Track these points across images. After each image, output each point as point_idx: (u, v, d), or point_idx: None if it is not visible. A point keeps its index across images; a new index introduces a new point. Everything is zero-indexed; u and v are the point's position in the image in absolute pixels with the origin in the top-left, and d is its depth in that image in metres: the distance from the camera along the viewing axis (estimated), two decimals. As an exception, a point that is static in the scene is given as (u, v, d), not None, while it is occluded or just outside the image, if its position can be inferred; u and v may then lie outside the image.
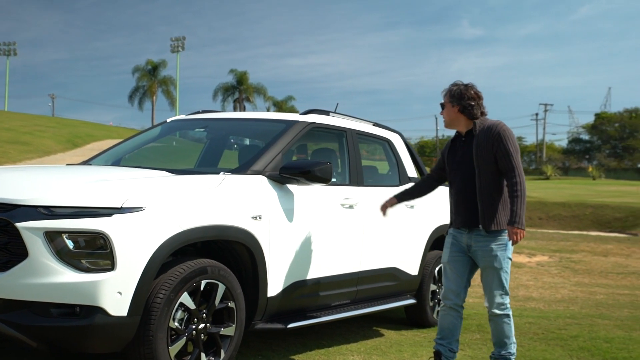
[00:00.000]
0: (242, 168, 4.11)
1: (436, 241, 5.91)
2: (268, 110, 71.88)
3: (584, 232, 19.18)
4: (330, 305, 4.67)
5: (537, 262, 10.63)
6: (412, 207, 5.48)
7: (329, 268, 4.53)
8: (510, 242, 3.83)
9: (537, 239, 13.97)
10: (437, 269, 5.86)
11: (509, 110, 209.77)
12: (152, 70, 67.72)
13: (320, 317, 4.46)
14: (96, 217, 3.18)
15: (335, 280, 4.60)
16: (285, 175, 4.11)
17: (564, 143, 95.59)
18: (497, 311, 4.02)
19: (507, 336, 4.06)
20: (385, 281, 5.21)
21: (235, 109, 68.69)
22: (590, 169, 64.65)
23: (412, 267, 5.50)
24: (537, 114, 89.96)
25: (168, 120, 5.38)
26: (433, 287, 5.84)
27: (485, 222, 3.89)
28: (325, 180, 4.13)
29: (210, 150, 5.33)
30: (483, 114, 4.03)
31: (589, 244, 12.48)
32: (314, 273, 4.38)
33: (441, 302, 4.21)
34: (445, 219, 5.94)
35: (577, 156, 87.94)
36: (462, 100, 3.95)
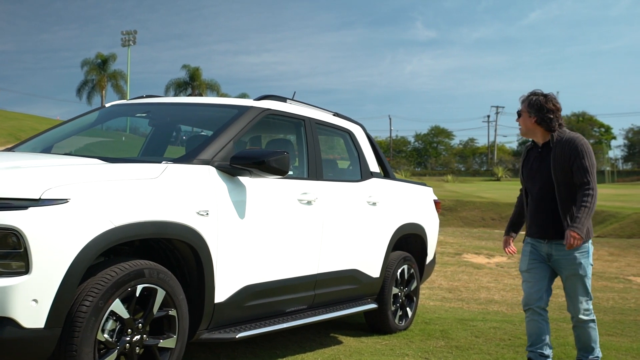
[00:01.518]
0: (188, 157, 3.61)
1: (399, 241, 5.53)
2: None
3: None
4: (285, 311, 4.22)
5: (497, 262, 10.40)
6: (374, 204, 5.08)
7: (284, 270, 4.08)
8: (566, 246, 3.83)
9: (494, 239, 13.80)
10: (399, 270, 5.47)
11: (462, 112, 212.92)
12: (101, 64, 65.91)
13: (273, 325, 4.00)
14: (7, 210, 2.66)
15: (291, 283, 4.15)
16: (236, 165, 3.64)
17: (514, 145, 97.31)
18: (584, 317, 4.08)
19: (594, 340, 4.14)
20: (345, 284, 4.79)
21: (188, 106, 67.23)
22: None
23: (373, 269, 5.09)
24: (488, 116, 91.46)
25: (107, 105, 4.83)
26: (395, 290, 5.45)
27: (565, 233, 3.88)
28: (281, 171, 3.68)
29: (155, 139, 4.81)
30: (561, 125, 4.04)
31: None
32: (267, 276, 3.93)
33: (524, 309, 4.22)
34: (408, 218, 5.59)
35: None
36: (540, 112, 3.97)
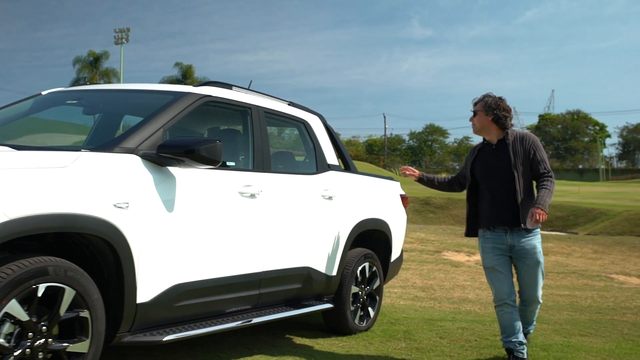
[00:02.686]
0: (109, 145, 3.32)
1: (358, 238, 5.26)
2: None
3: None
4: (224, 311, 3.94)
5: (477, 260, 10.13)
6: (330, 198, 4.81)
7: (222, 268, 3.80)
8: (532, 220, 4.10)
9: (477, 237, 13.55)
10: (360, 268, 5.21)
11: (457, 110, 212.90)
12: (93, 62, 65.54)
13: (208, 326, 3.72)
14: None
15: (231, 282, 3.87)
16: (164, 154, 3.36)
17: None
18: (541, 300, 4.52)
19: (536, 315, 4.68)
20: (296, 283, 4.52)
21: (180, 103, 66.83)
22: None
23: (329, 266, 4.82)
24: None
25: (43, 92, 4.54)
26: (355, 289, 5.18)
27: (526, 221, 4.18)
28: (213, 161, 3.41)
29: (100, 128, 4.53)
30: (512, 125, 4.41)
31: (529, 242, 12.16)
32: (202, 274, 3.65)
33: (497, 304, 4.41)
34: (369, 213, 5.31)
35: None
36: (496, 110, 4.29)
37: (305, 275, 4.57)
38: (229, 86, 4.30)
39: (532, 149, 4.28)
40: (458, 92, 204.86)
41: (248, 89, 4.51)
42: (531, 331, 4.74)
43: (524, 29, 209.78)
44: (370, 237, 5.59)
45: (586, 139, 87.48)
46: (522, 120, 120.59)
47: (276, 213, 4.21)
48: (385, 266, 5.71)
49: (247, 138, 4.30)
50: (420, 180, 4.82)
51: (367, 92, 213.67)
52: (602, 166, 74.47)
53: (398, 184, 6.08)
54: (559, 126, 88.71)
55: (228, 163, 4.04)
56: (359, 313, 5.25)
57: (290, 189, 4.43)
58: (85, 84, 64.36)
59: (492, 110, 4.30)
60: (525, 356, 4.36)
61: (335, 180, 4.97)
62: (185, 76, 64.49)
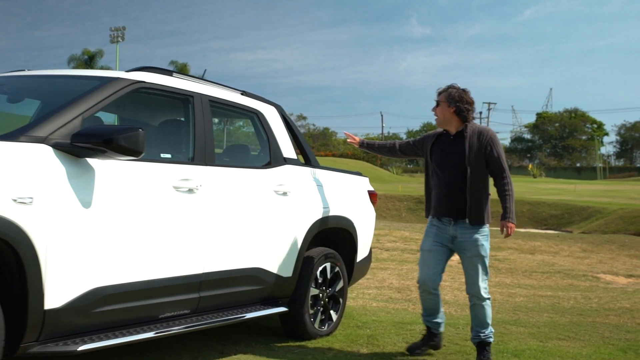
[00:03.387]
0: (15, 134, 2.99)
1: (319, 236, 4.94)
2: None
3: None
4: (157, 317, 3.61)
5: (459, 260, 9.79)
6: (284, 193, 4.49)
7: (152, 270, 3.47)
8: (504, 235, 4.31)
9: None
10: (320, 269, 4.88)
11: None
12: (88, 60, 65.13)
13: (136, 334, 3.39)
14: None
15: (163, 285, 3.54)
16: (79, 144, 3.03)
17: (507, 142, 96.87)
18: (484, 295, 4.36)
19: (489, 316, 4.42)
20: (245, 285, 4.19)
21: (175, 102, 66.63)
22: (530, 167, 65.46)
23: (283, 267, 4.50)
24: (480, 113, 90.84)
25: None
26: (315, 291, 4.85)
27: (472, 216, 4.23)
28: (134, 151, 3.08)
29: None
30: (473, 119, 4.39)
31: (516, 241, 11.74)
32: (127, 276, 3.32)
33: (419, 287, 4.51)
34: (331, 210, 4.98)
35: (519, 155, 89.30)
36: (460, 102, 4.26)
37: (255, 276, 4.24)
38: (168, 72, 3.97)
39: (489, 145, 4.24)
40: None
41: (196, 77, 4.18)
42: (490, 339, 4.43)
43: (523, 27, 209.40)
44: (334, 236, 5.27)
45: (584, 137, 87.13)
46: (521, 119, 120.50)
47: (219, 209, 3.89)
48: (350, 267, 5.39)
49: (187, 128, 3.96)
50: (361, 145, 4.91)
51: (365, 90, 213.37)
52: (600, 164, 74.08)
53: (366, 179, 5.76)
54: (557, 124, 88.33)
55: (163, 155, 3.72)
56: (319, 317, 4.92)
57: (237, 183, 4.10)
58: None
59: (455, 102, 4.26)
60: (439, 333, 4.57)
61: (291, 175, 4.64)
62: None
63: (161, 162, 3.59)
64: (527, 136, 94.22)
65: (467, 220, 4.24)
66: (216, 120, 4.86)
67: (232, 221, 4.01)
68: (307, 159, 5.10)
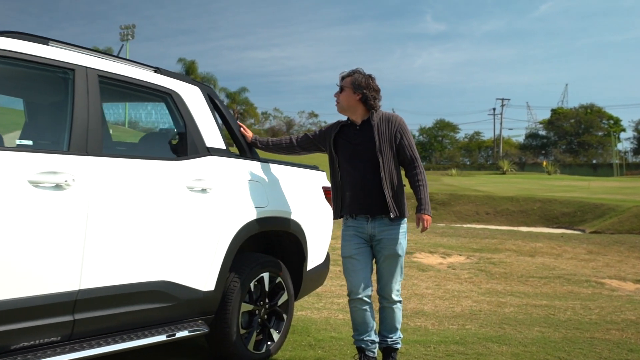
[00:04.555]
0: None
1: (254, 241, 4.17)
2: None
3: (515, 228, 17.76)
4: (9, 348, 2.84)
5: (450, 263, 8.95)
6: (203, 190, 3.71)
7: (-4, 288, 2.70)
8: (420, 229, 3.98)
9: (459, 235, 12.28)
10: (255, 280, 4.10)
11: (469, 105, 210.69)
12: (97, 58, 64.86)
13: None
14: None
15: (14, 307, 2.77)
16: None
17: (521, 138, 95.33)
18: (395, 297, 4.08)
19: (399, 321, 4.14)
20: (145, 303, 3.40)
21: (184, 100, 66.12)
22: (544, 164, 64.19)
23: (201, 279, 3.71)
24: (494, 109, 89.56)
25: None
26: (248, 307, 4.06)
27: (394, 210, 3.91)
28: None
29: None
30: (380, 107, 4.08)
31: (516, 242, 10.88)
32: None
33: (351, 298, 4.04)
34: (269, 210, 4.17)
35: (533, 152, 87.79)
36: (366, 89, 3.96)
37: (160, 292, 3.46)
38: (44, 41, 3.19)
39: (399, 132, 3.98)
40: (471, 87, 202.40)
41: (77, 46, 3.38)
42: (397, 345, 4.13)
43: (539, 22, 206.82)
44: (279, 241, 4.50)
45: (600, 134, 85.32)
46: (536, 115, 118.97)
47: (103, 210, 3.11)
48: (299, 276, 4.60)
49: (63, 110, 3.18)
50: (253, 144, 4.36)
51: (380, 87, 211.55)
52: (617, 161, 72.41)
53: (322, 174, 4.96)
54: (572, 120, 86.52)
55: (22, 142, 2.95)
56: (254, 337, 4.13)
57: (132, 178, 3.32)
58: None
59: (361, 89, 3.95)
60: (375, 355, 4.06)
61: (214, 168, 3.86)
62: (189, 72, 63.68)
63: (12, 151, 2.82)
64: (542, 132, 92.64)
65: (384, 216, 3.91)
66: (121, 104, 4.11)
67: (124, 224, 3.23)
68: (241, 149, 4.31)
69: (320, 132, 4.30)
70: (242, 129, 4.35)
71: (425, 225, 3.93)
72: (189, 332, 3.64)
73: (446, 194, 30.75)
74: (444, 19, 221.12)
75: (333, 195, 4.18)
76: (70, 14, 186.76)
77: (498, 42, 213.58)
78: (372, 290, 4.02)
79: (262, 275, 4.16)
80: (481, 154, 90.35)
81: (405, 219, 4.02)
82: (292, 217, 4.40)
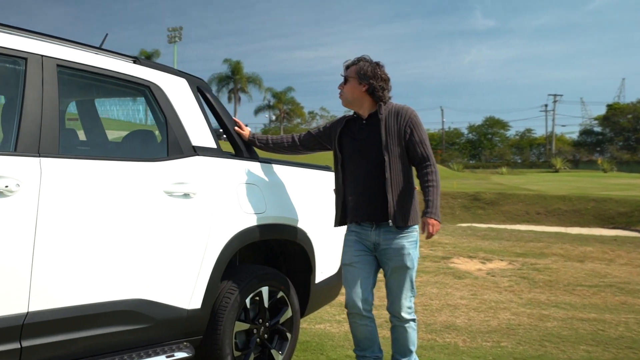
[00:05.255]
0: None
1: (247, 252, 3.71)
2: (268, 102, 69.87)
3: (565, 229, 16.80)
4: None
5: (490, 270, 8.30)
6: (186, 195, 3.26)
7: None
8: (425, 235, 3.48)
9: (502, 238, 11.53)
10: (251, 295, 3.63)
11: (519, 102, 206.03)
12: (145, 61, 65.82)
13: None
14: None
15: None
16: None
17: (575, 135, 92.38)
18: (406, 316, 3.64)
19: (413, 342, 3.72)
20: (113, 325, 2.95)
21: (230, 100, 66.64)
22: (599, 162, 61.92)
23: (184, 296, 3.26)
24: (546, 105, 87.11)
25: None
26: (243, 326, 3.60)
27: (396, 217, 3.46)
28: None
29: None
30: (389, 98, 3.62)
31: (563, 245, 10.11)
32: None
33: (349, 312, 3.64)
34: (268, 217, 3.70)
35: (588, 149, 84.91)
36: (373, 79, 3.53)
37: (131, 312, 3.02)
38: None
39: (408, 127, 3.50)
40: (521, 83, 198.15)
41: (38, 33, 2.98)
42: None
43: (592, 16, 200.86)
44: (283, 251, 4.04)
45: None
46: (590, 111, 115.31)
47: (56, 219, 2.69)
48: (306, 290, 4.11)
49: (11, 105, 2.78)
50: (251, 142, 3.87)
51: (426, 85, 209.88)
52: (678, 158, 69.33)
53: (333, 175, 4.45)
54: (630, 116, 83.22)
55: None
56: (252, 357, 3.66)
57: (93, 182, 2.88)
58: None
59: (368, 79, 3.52)
60: None
61: (200, 170, 3.40)
62: (234, 72, 63.90)
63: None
64: (597, 129, 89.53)
65: (389, 223, 3.45)
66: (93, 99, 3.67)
67: (83, 235, 2.80)
68: (237, 149, 3.85)
69: (325, 128, 3.86)
70: (237, 125, 3.89)
71: (431, 231, 3.43)
72: (167, 357, 3.19)
73: (494, 193, 29.73)
74: (494, 15, 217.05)
75: (337, 199, 3.72)
76: (121, 19, 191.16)
77: (550, 37, 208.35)
78: (372, 303, 3.63)
79: (260, 290, 3.69)
80: (533, 152, 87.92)
81: (416, 227, 3.59)
82: (296, 224, 3.91)
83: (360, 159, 3.55)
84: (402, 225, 3.47)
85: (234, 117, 3.93)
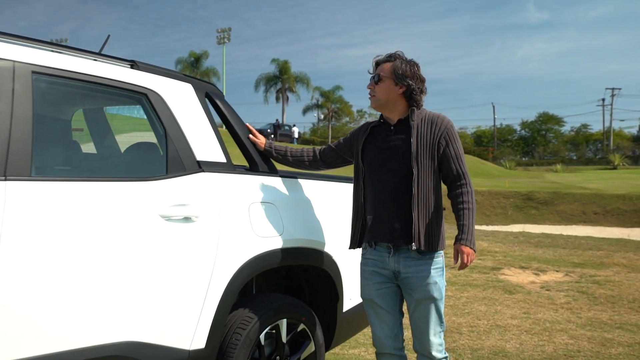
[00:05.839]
0: None
1: (264, 280, 3.27)
2: (316, 102, 69.62)
3: (627, 231, 15.75)
4: None
5: (544, 283, 7.64)
6: (186, 219, 2.83)
7: None
8: (458, 266, 2.97)
9: (558, 246, 10.76)
10: (266, 330, 3.18)
11: (574, 97, 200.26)
12: (194, 62, 66.55)
13: None
14: None
15: None
16: None
17: (634, 130, 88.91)
18: (437, 354, 3.10)
19: None
20: (98, 373, 2.56)
21: (277, 100, 66.62)
22: (661, 158, 59.30)
23: (184, 335, 2.84)
24: (603, 100, 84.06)
25: None
26: (255, 365, 3.16)
27: (420, 239, 2.94)
28: None
29: None
30: (423, 103, 3.14)
31: (626, 254, 9.31)
32: None
33: (378, 352, 3.23)
34: (285, 239, 3.29)
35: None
36: (412, 79, 3.05)
37: (121, 357, 2.61)
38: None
39: (444, 138, 3.00)
40: (577, 77, 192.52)
41: (18, 37, 2.60)
42: None
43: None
44: (307, 276, 3.59)
45: None
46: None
47: (24, 251, 2.29)
48: (332, 319, 3.64)
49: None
50: (267, 152, 3.44)
51: (477, 81, 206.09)
52: None
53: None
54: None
55: None
56: (269, 404, 3.22)
57: (73, 206, 2.48)
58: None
59: (406, 80, 3.03)
60: None
61: (206, 189, 2.97)
62: (282, 72, 63.86)
63: None
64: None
65: (412, 246, 2.94)
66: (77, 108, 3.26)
67: (59, 269, 2.40)
68: (252, 162, 3.41)
69: (345, 139, 3.39)
70: (252, 134, 3.45)
71: (465, 261, 2.94)
72: (166, 406, 2.76)
73: (548, 192, 28.61)
74: (547, 7, 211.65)
75: (353, 216, 3.25)
76: (173, 21, 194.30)
77: (607, 29, 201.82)
78: (402, 341, 3.21)
79: (277, 323, 3.24)
80: (589, 148, 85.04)
81: (441, 252, 3.08)
82: (320, 246, 3.45)
83: (385, 171, 3.06)
84: (427, 250, 2.97)
85: (247, 124, 3.49)
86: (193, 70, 66.06)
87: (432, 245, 2.97)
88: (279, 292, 3.72)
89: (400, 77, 3.05)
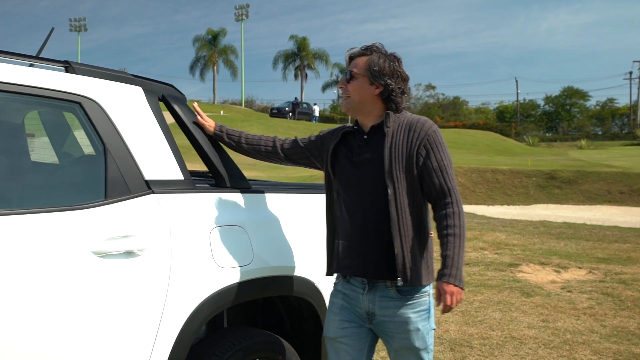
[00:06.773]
0: None
1: (224, 316, 2.81)
2: (336, 78, 68.84)
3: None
4: None
5: (565, 282, 7.09)
6: (128, 254, 2.37)
7: None
8: (441, 308, 2.37)
9: (581, 237, 10.12)
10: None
11: (602, 70, 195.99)
12: (212, 40, 66.04)
13: None
14: None
15: None
16: None
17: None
18: None
19: None
20: None
21: (296, 77, 65.92)
22: (692, 132, 57.66)
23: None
24: (630, 73, 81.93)
25: None
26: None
27: (406, 272, 2.41)
28: None
29: None
30: (404, 107, 2.57)
31: (654, 248, 8.70)
32: None
33: None
34: (254, 268, 2.81)
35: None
36: (391, 77, 2.52)
37: None
38: None
39: (424, 147, 2.46)
40: (603, 49, 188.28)
41: None
42: None
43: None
44: (288, 305, 3.13)
45: None
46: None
47: None
48: (316, 352, 3.18)
49: None
50: (217, 137, 2.92)
51: (501, 55, 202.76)
52: None
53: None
54: None
55: None
56: None
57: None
58: (205, 62, 65.20)
59: (383, 78, 2.51)
60: None
61: (154, 215, 2.50)
62: (300, 48, 63.05)
63: None
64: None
65: (398, 282, 2.43)
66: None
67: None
68: (217, 175, 2.92)
69: (316, 138, 2.82)
70: (199, 116, 2.93)
71: (449, 303, 2.33)
72: None
73: (572, 170, 27.77)
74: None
75: (328, 237, 2.70)
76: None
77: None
78: None
79: (246, 364, 2.78)
80: (615, 123, 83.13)
81: (427, 289, 2.52)
82: (299, 273, 2.97)
83: (356, 189, 2.54)
84: (412, 284, 2.42)
85: (194, 105, 2.98)
86: (211, 49, 65.57)
87: (414, 280, 2.43)
88: (257, 322, 3.26)
89: (376, 75, 2.52)
